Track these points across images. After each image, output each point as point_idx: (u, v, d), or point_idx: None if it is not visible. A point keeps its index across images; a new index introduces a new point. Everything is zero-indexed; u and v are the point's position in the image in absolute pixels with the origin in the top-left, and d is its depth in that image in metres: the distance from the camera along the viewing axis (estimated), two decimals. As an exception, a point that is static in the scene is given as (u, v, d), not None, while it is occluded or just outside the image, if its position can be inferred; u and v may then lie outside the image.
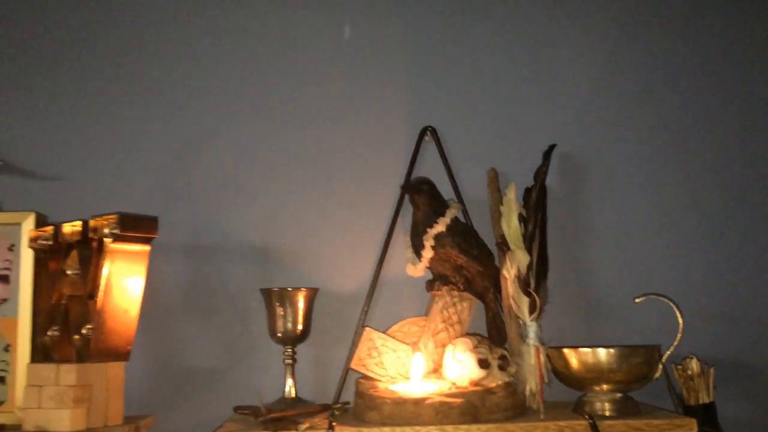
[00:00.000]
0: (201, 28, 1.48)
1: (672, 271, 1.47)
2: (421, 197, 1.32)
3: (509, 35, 1.53)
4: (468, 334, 1.31)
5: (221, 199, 1.44)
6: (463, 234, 1.33)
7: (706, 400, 1.27)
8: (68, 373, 1.13)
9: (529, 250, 1.29)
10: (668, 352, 1.23)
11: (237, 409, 1.26)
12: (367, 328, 1.30)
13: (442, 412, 1.14)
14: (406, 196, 1.41)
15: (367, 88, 1.49)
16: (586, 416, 1.14)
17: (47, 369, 1.14)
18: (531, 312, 1.26)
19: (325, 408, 1.24)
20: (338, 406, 1.27)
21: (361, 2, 1.52)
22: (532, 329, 1.26)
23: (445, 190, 1.40)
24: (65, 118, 1.43)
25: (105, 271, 1.14)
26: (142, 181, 1.42)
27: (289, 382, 1.32)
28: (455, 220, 1.33)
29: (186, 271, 1.40)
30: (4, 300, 1.29)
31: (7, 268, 1.30)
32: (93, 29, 1.46)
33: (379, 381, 1.26)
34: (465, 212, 1.43)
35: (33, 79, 1.43)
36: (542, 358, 1.24)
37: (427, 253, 1.31)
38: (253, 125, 1.47)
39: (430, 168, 1.46)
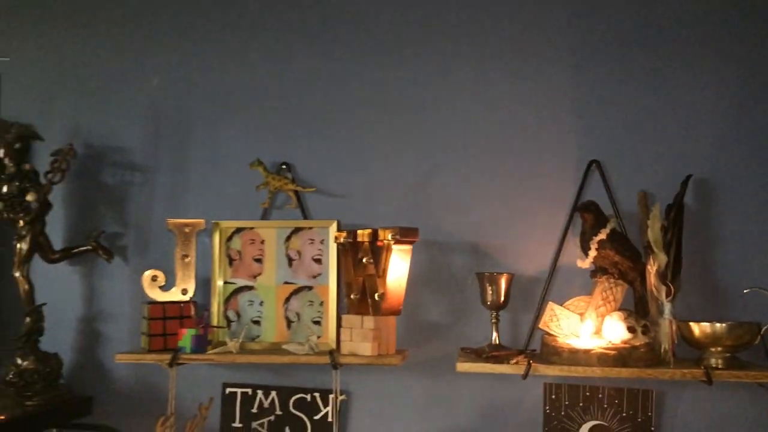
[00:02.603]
0: (422, 93, 2.16)
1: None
2: (589, 214, 1.91)
3: (658, 79, 2.04)
4: (620, 309, 1.90)
5: (447, 210, 2.12)
6: (618, 240, 1.90)
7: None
8: (369, 321, 1.87)
9: (668, 253, 1.85)
10: (766, 327, 1.76)
11: (463, 348, 1.97)
12: (550, 302, 1.94)
13: (602, 359, 1.77)
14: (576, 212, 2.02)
15: (546, 129, 2.09)
16: (702, 366, 1.72)
17: (356, 318, 1.90)
18: (667, 296, 1.83)
19: (521, 352, 1.91)
20: (529, 351, 1.94)
21: (534, 56, 2.10)
22: (667, 308, 1.83)
23: (607, 207, 1.98)
24: (351, 155, 2.17)
25: (390, 260, 1.87)
26: (398, 197, 2.14)
27: (494, 334, 1.99)
28: (613, 230, 1.91)
29: (424, 258, 2.10)
30: (319, 274, 2.09)
31: (320, 254, 2.09)
32: (349, 83, 2.18)
33: (558, 337, 1.91)
34: (621, 223, 2.00)
35: (322, 128, 2.19)
36: (674, 327, 1.81)
37: (592, 254, 1.91)
38: (467, 159, 2.12)
39: (595, 190, 2.05)
